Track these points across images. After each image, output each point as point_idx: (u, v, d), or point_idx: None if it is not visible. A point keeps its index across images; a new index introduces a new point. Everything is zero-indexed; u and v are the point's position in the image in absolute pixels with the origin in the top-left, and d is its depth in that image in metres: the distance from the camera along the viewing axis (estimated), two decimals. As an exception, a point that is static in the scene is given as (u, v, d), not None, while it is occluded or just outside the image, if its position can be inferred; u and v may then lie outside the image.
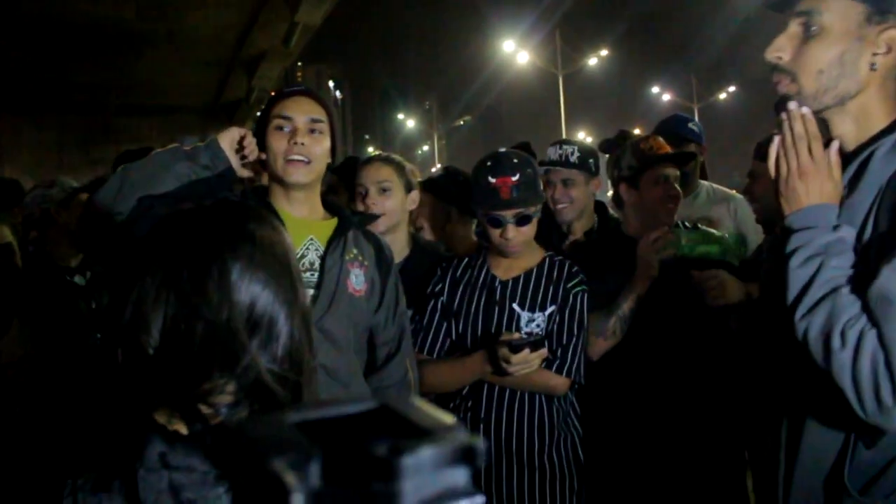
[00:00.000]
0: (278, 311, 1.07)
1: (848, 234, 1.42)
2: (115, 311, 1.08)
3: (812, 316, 1.37)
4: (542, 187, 2.48)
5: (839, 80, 1.44)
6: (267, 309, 1.06)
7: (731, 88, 41.74)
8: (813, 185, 1.43)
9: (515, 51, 29.91)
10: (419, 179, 3.38)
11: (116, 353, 1.06)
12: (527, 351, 2.24)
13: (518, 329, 2.45)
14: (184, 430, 1.02)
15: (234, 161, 2.07)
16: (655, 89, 42.64)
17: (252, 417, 0.35)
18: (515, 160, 2.43)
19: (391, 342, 2.25)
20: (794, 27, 1.47)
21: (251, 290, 1.05)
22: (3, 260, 2.47)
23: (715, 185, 3.84)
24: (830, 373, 1.34)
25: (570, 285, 2.49)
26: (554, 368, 2.42)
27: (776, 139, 1.49)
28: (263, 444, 0.37)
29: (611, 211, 3.31)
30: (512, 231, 2.41)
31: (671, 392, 2.61)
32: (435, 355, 2.52)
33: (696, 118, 4.25)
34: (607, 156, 3.66)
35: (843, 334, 1.32)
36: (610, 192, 4.69)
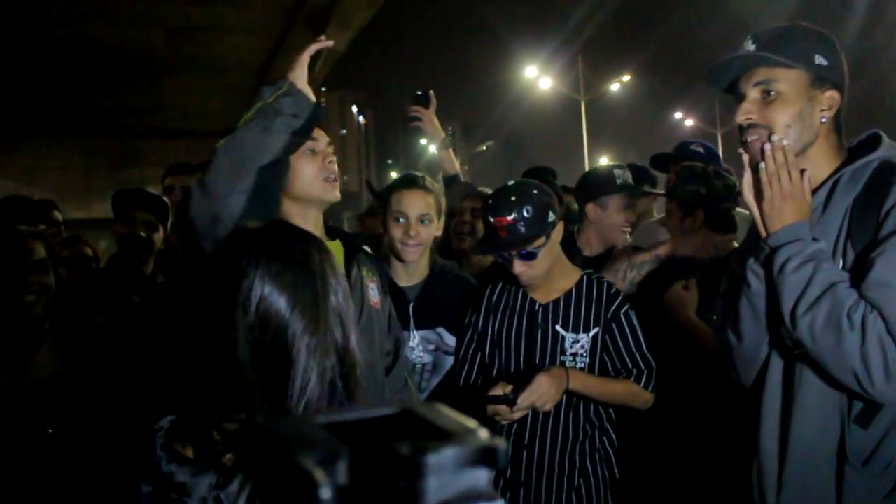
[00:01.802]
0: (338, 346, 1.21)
1: (825, 245, 1.69)
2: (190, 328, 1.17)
3: (815, 310, 1.59)
4: (551, 217, 2.41)
5: (803, 131, 1.76)
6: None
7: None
8: (793, 205, 1.69)
9: (538, 76, 30.03)
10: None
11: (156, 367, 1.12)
12: (505, 407, 2.26)
13: (563, 352, 2.44)
14: (190, 453, 1.07)
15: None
16: (678, 114, 42.59)
17: (278, 418, 0.36)
18: (514, 197, 2.38)
19: (391, 352, 2.30)
20: (754, 94, 1.79)
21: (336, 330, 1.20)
22: (37, 274, 2.50)
23: (740, 209, 3.82)
24: (840, 358, 1.56)
25: (615, 307, 2.46)
26: (642, 383, 2.43)
27: (747, 171, 1.78)
28: (292, 441, 0.38)
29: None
30: (518, 266, 2.40)
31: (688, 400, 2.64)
32: (469, 385, 2.54)
33: (720, 144, 4.26)
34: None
35: (849, 317, 1.55)
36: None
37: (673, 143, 4.08)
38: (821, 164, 1.79)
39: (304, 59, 2.13)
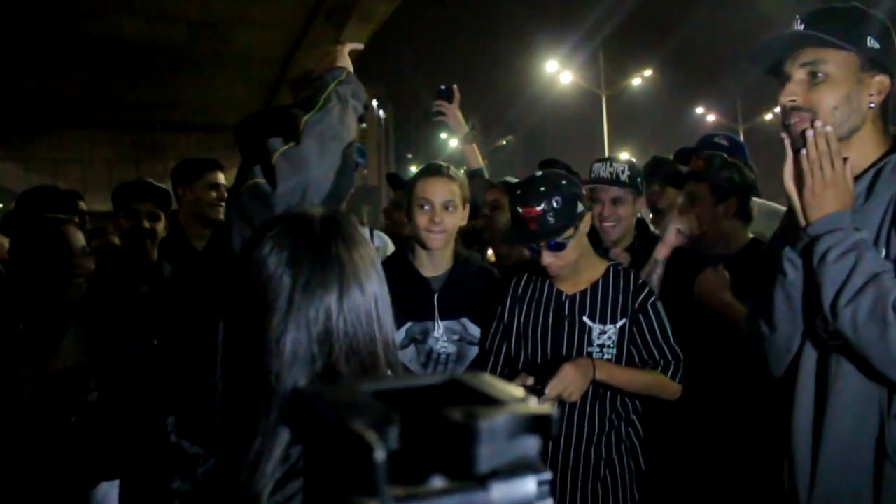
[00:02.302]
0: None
1: (867, 235, 1.63)
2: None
3: (858, 300, 1.53)
4: (580, 207, 2.40)
5: (850, 115, 1.69)
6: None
7: (777, 109, 40.97)
8: (835, 193, 1.64)
9: (558, 71, 29.87)
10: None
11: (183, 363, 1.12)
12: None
13: (590, 342, 2.43)
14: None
15: None
16: (700, 110, 42.29)
17: (326, 386, 0.36)
18: (543, 188, 2.38)
19: None
20: (801, 75, 1.72)
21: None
22: (83, 258, 2.56)
23: (766, 202, 3.79)
24: (885, 350, 1.50)
25: (641, 298, 2.45)
26: (669, 374, 2.42)
27: (789, 157, 1.71)
28: (343, 408, 0.38)
29: (651, 227, 3.33)
30: (547, 257, 2.39)
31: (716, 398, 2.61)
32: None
33: (742, 138, 4.21)
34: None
35: (895, 309, 1.49)
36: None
37: (694, 139, 4.05)
38: (866, 150, 1.72)
39: (346, 51, 2.23)
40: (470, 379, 0.41)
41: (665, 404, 2.50)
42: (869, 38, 1.69)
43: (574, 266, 2.45)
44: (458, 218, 2.63)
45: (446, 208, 2.59)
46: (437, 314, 2.62)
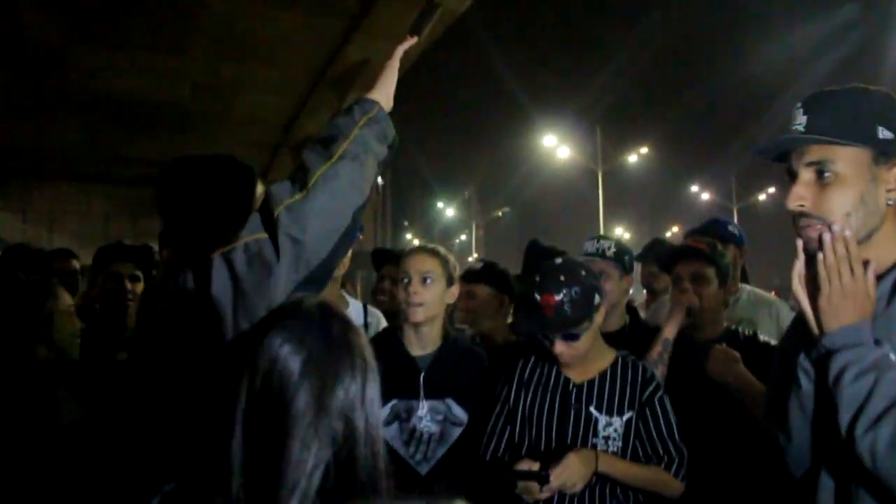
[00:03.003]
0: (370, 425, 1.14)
1: (888, 349, 1.46)
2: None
3: (877, 430, 1.38)
4: (597, 299, 2.38)
5: (866, 218, 1.55)
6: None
7: (771, 190, 41.47)
8: (856, 303, 1.49)
9: (556, 145, 30.30)
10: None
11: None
12: (535, 484, 2.20)
13: (595, 434, 2.39)
14: None
15: None
16: (695, 188, 42.77)
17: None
18: (563, 277, 2.36)
19: None
20: (807, 175, 1.58)
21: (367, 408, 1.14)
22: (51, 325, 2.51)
23: (756, 290, 3.79)
24: None
25: (649, 391, 2.43)
26: (672, 472, 2.37)
27: (800, 259, 1.57)
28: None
29: (641, 313, 3.35)
30: (560, 346, 2.38)
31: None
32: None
33: (735, 219, 4.26)
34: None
35: None
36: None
37: (689, 216, 4.09)
38: (888, 248, 1.58)
39: (394, 67, 2.05)
40: None
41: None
42: (880, 128, 1.54)
43: (584, 355, 2.43)
44: (437, 293, 2.63)
45: (424, 281, 2.60)
46: (422, 393, 2.59)
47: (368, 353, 1.17)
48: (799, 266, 1.57)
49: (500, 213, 46.05)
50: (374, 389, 1.14)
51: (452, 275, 2.70)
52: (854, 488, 1.52)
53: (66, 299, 2.56)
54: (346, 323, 1.18)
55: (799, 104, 1.61)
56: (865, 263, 1.53)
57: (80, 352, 2.69)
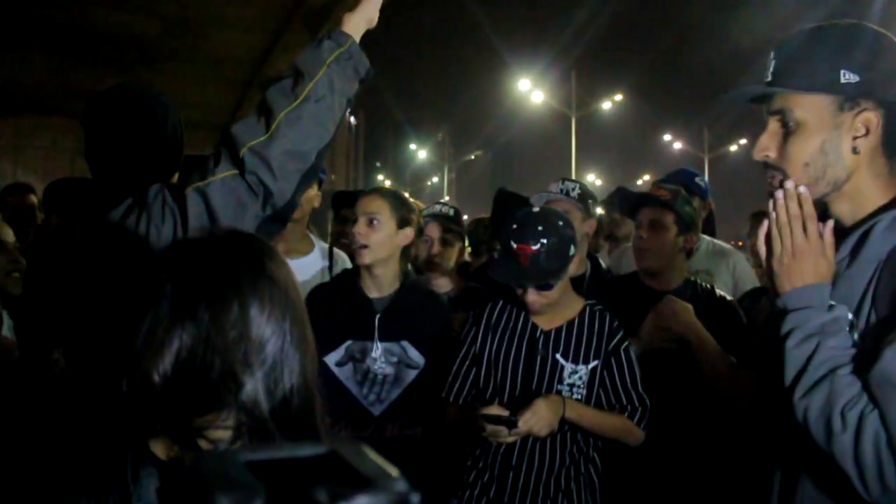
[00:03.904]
0: (290, 353, 1.08)
1: (842, 313, 1.43)
2: (116, 336, 1.08)
3: (811, 397, 1.38)
4: (571, 251, 2.42)
5: (826, 169, 1.49)
6: (278, 349, 1.07)
7: (743, 141, 41.50)
8: (807, 264, 1.45)
9: (530, 89, 30.13)
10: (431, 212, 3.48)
11: (111, 377, 1.06)
12: (503, 429, 2.25)
13: (560, 380, 2.44)
14: (185, 460, 1.00)
15: None
16: (667, 137, 42.82)
17: (205, 454, 0.36)
18: (541, 227, 2.38)
19: None
20: (773, 124, 1.53)
21: (266, 329, 1.06)
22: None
23: (715, 240, 3.87)
24: (832, 455, 1.35)
25: (615, 341, 2.48)
26: (635, 421, 2.44)
27: (766, 219, 1.52)
28: (212, 480, 0.39)
29: (602, 263, 3.39)
30: (532, 295, 2.41)
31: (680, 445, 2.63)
32: (461, 402, 2.54)
33: (706, 169, 4.32)
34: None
35: (843, 416, 1.33)
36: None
37: (660, 165, 4.14)
38: (864, 199, 1.50)
39: (366, 20, 1.93)
40: (349, 453, 0.42)
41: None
42: (843, 71, 1.46)
43: (554, 304, 2.46)
44: (384, 234, 2.64)
45: (370, 223, 2.62)
46: (376, 335, 2.63)
47: (256, 288, 1.09)
48: (764, 226, 1.52)
49: (472, 157, 45.87)
50: (258, 309, 1.07)
51: (406, 217, 2.70)
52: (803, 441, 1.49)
53: (8, 233, 2.50)
54: (235, 259, 1.12)
55: (773, 49, 1.56)
56: (826, 221, 1.48)
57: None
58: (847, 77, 1.45)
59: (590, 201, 3.14)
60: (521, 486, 2.43)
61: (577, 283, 3.13)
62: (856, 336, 1.43)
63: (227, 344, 1.03)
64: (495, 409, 2.31)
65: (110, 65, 11.82)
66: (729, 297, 2.89)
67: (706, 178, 4.12)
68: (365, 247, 2.60)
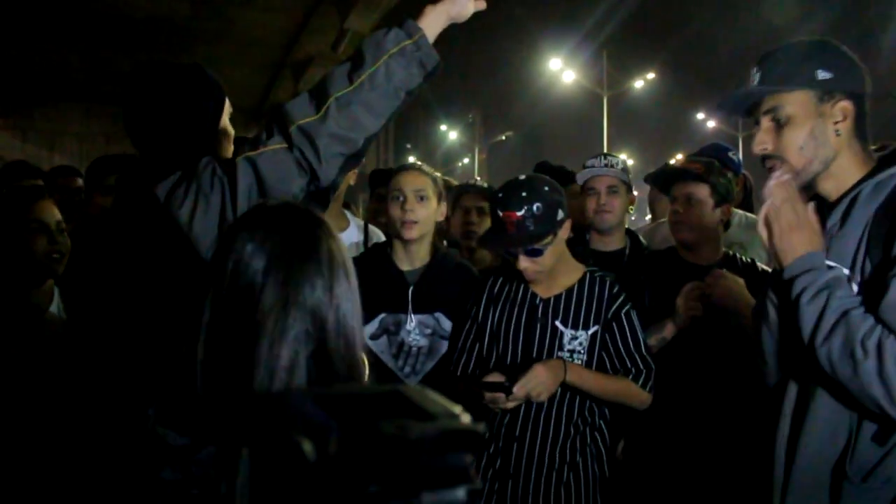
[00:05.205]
0: (350, 314, 1.16)
1: (840, 272, 1.69)
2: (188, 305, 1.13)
3: (831, 340, 1.61)
4: (560, 214, 2.40)
5: (817, 150, 1.76)
6: (345, 311, 1.15)
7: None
8: (803, 236, 1.72)
9: (561, 69, 29.89)
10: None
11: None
12: (501, 395, 2.27)
13: (560, 347, 2.45)
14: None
15: None
16: (700, 115, 42.31)
17: (281, 392, 0.38)
18: (524, 193, 2.37)
19: None
20: (767, 122, 1.81)
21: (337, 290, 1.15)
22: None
23: (748, 214, 3.83)
24: (860, 386, 1.56)
25: (616, 306, 2.47)
26: (640, 383, 2.45)
27: (765, 205, 1.77)
28: (287, 415, 0.41)
29: (643, 242, 3.37)
30: (523, 262, 2.39)
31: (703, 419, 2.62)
32: (468, 375, 2.56)
33: (741, 147, 4.27)
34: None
35: (863, 346, 1.55)
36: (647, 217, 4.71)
37: (694, 143, 4.10)
38: (846, 175, 1.78)
39: (445, 15, 1.90)
40: (410, 391, 0.44)
41: (638, 413, 2.53)
42: (819, 71, 1.76)
43: (550, 271, 2.47)
44: (430, 210, 2.67)
45: (419, 199, 2.64)
46: (410, 307, 2.65)
47: (338, 249, 1.18)
48: (763, 210, 1.77)
49: (503, 137, 45.67)
50: (343, 286, 1.15)
51: (442, 192, 2.75)
52: (812, 389, 1.74)
53: (52, 213, 2.50)
54: (312, 220, 1.19)
55: (756, 63, 1.86)
56: (811, 200, 1.76)
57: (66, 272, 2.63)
58: (822, 75, 1.76)
59: (629, 175, 3.18)
60: (526, 458, 2.43)
61: (617, 259, 3.13)
62: (854, 287, 1.69)
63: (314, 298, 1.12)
64: (493, 377, 2.33)
65: (141, 49, 11.93)
66: (770, 270, 2.86)
67: (741, 154, 4.06)
68: (415, 222, 2.62)
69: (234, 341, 1.11)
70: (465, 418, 0.42)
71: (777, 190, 1.75)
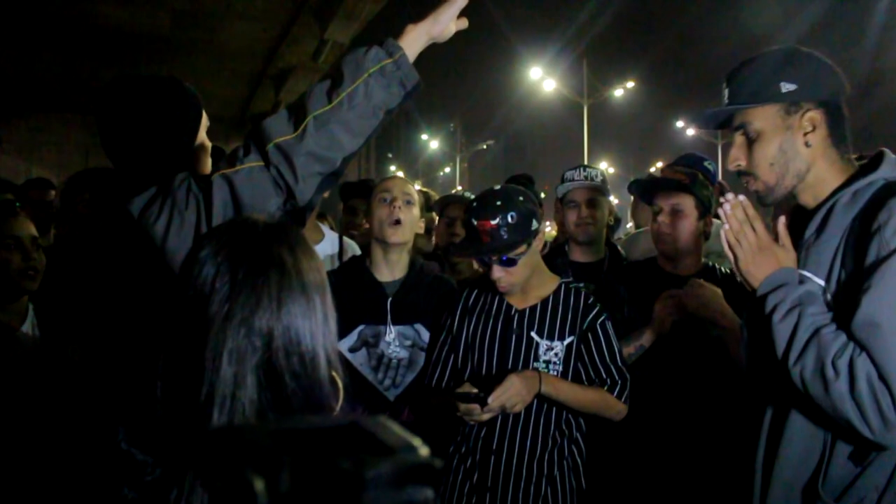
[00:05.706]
0: (319, 330, 1.13)
1: (813, 286, 1.68)
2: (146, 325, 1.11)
3: (803, 359, 1.59)
4: (534, 225, 2.41)
5: (788, 164, 1.75)
6: (308, 329, 1.11)
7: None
8: (768, 255, 1.72)
9: (541, 78, 30.01)
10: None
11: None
12: (476, 406, 2.26)
13: (536, 358, 2.45)
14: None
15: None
16: (680, 124, 42.59)
17: (233, 426, 0.37)
18: (499, 202, 2.38)
19: None
20: (739, 138, 1.81)
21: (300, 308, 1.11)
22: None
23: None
24: (832, 406, 1.54)
25: (591, 316, 2.47)
26: (615, 394, 2.44)
27: (726, 225, 1.77)
28: (240, 449, 0.40)
29: (622, 253, 3.38)
30: (497, 272, 2.40)
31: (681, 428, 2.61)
32: (442, 387, 2.55)
33: (720, 155, 4.28)
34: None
35: (834, 365, 1.54)
36: (629, 225, 4.73)
37: (673, 151, 4.12)
38: (822, 185, 1.76)
39: (438, 20, 1.86)
40: (368, 424, 0.43)
41: (612, 424, 2.52)
42: (782, 83, 1.75)
43: (525, 282, 2.47)
44: (415, 216, 2.70)
45: (406, 202, 2.67)
46: (389, 318, 2.64)
47: (297, 265, 1.13)
48: (725, 227, 1.77)
49: (484, 146, 45.75)
50: (299, 304, 1.11)
51: (423, 206, 2.80)
52: (787, 409, 1.72)
53: (27, 229, 2.48)
54: (271, 234, 1.15)
55: (725, 78, 1.85)
56: (778, 219, 1.77)
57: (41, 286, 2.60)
58: (787, 87, 1.74)
59: (607, 187, 3.20)
60: (504, 471, 2.43)
61: (597, 270, 3.14)
62: (829, 298, 1.67)
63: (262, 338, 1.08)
64: (466, 387, 2.32)
65: (123, 60, 11.88)
66: None
67: (719, 164, 4.08)
68: (402, 223, 2.62)
69: (184, 355, 1.09)
70: (424, 451, 0.41)
71: (735, 212, 1.75)
